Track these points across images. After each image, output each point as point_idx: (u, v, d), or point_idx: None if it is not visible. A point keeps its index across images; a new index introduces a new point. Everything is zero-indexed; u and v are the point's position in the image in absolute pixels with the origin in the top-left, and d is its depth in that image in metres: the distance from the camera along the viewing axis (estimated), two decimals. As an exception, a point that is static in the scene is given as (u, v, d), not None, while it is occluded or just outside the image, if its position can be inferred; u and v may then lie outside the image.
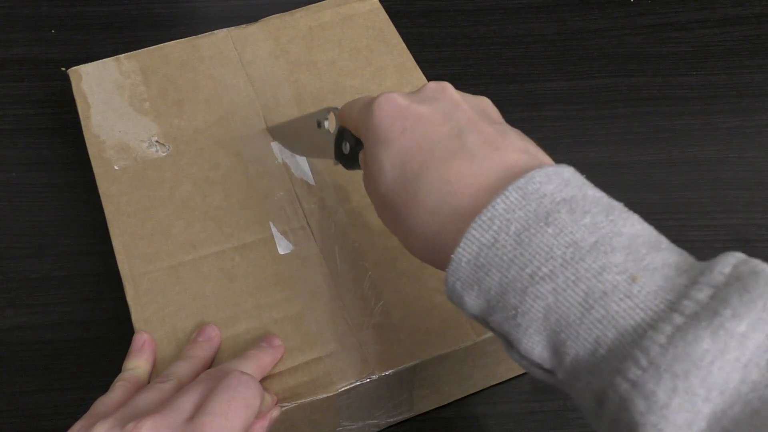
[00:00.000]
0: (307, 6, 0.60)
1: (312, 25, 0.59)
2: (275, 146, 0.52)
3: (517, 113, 0.65)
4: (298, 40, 0.58)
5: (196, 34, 0.59)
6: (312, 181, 0.50)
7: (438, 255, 0.32)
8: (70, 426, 0.36)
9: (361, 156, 0.39)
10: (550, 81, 0.68)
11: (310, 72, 0.56)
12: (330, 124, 0.45)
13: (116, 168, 0.51)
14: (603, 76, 0.68)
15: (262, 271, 0.47)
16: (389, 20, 0.60)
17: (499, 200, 0.29)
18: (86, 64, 0.57)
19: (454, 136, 0.33)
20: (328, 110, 0.45)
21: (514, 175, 0.30)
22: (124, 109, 0.54)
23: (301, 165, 0.51)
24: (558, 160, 0.67)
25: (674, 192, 0.61)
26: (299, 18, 0.60)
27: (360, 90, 0.55)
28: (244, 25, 0.59)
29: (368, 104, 0.36)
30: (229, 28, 0.59)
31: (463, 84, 0.67)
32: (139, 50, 0.58)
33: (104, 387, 0.41)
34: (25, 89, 0.67)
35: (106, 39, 0.70)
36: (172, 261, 0.47)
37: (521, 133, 0.34)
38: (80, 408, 0.39)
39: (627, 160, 0.63)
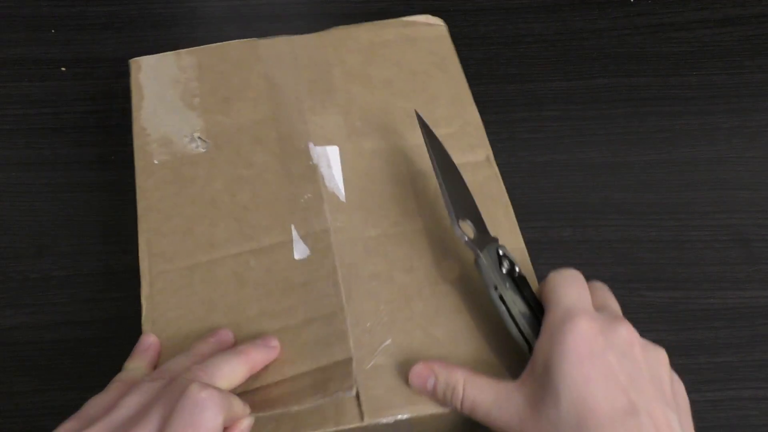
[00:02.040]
0: (374, 21, 0.58)
1: (374, 40, 0.57)
2: (313, 147, 0.51)
3: (517, 113, 0.65)
4: (357, 53, 0.57)
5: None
6: (343, 197, 0.49)
7: None
8: (70, 426, 0.36)
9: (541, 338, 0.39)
10: (550, 81, 0.68)
11: (363, 85, 0.55)
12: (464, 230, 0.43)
13: (155, 162, 0.51)
14: (603, 76, 0.68)
15: (274, 276, 0.46)
16: (453, 49, 0.57)
17: None
18: (147, 56, 0.56)
19: (632, 412, 0.35)
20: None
21: None
22: (175, 104, 0.53)
23: (336, 177, 0.50)
24: (558, 160, 0.68)
25: (674, 192, 0.61)
26: (363, 31, 0.58)
27: (410, 113, 0.52)
28: (307, 34, 0.58)
29: (563, 319, 0.38)
30: (291, 36, 0.58)
31: (463, 84, 0.68)
32: (200, 47, 0.57)
33: (104, 387, 0.41)
34: (25, 89, 0.67)
35: (106, 39, 0.70)
36: (189, 261, 0.47)
37: (677, 414, 0.37)
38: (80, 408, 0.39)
39: (627, 160, 0.63)
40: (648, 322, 0.54)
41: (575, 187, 0.61)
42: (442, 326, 0.44)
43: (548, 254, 0.56)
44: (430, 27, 0.58)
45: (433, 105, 0.54)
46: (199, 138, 0.52)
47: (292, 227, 0.48)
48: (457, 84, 0.56)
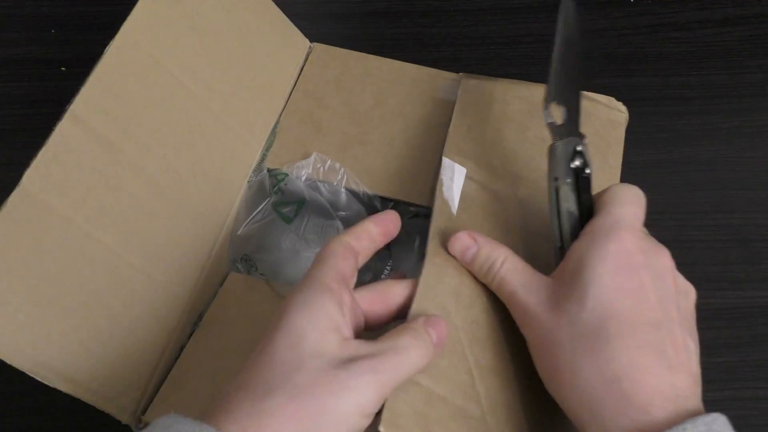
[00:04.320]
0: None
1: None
2: (444, 158, 0.49)
3: (517, 113, 0.65)
4: (523, 102, 0.53)
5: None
6: (455, 209, 0.45)
7: (589, 414, 0.36)
8: (69, 426, 0.36)
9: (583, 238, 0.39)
10: (550, 81, 0.67)
11: (516, 134, 0.51)
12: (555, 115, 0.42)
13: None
14: (603, 76, 0.68)
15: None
16: (622, 140, 0.54)
17: (689, 425, 0.33)
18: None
19: (655, 326, 0.36)
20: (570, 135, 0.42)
21: (684, 398, 0.35)
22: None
23: (455, 190, 0.47)
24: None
25: (674, 192, 0.61)
26: (535, 90, 0.54)
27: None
28: (478, 78, 0.55)
29: (610, 227, 0.38)
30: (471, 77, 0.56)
31: (463, 84, 0.67)
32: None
33: (104, 387, 0.41)
34: (25, 89, 0.67)
35: (106, 39, 0.70)
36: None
37: (695, 345, 0.38)
38: (80, 408, 0.39)
39: (627, 160, 0.62)
40: (648, 322, 0.54)
41: (575, 187, 0.61)
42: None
43: (548, 254, 0.56)
44: (609, 109, 0.55)
45: None
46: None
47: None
48: (612, 175, 0.52)
